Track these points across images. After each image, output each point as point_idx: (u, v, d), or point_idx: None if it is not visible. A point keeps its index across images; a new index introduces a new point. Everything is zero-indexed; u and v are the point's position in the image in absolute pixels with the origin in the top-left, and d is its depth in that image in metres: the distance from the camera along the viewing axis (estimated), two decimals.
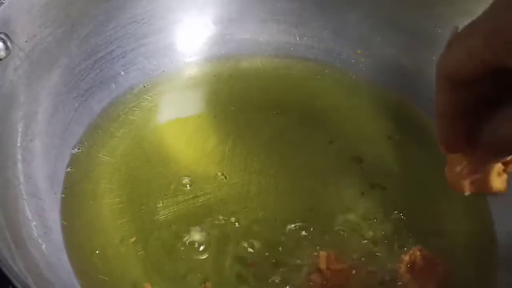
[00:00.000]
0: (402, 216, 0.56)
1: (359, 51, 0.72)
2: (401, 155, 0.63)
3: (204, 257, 0.52)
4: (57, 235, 0.50)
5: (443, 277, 0.51)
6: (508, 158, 0.40)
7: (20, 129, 0.52)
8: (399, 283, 0.51)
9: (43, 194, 0.52)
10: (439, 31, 0.66)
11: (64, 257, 0.49)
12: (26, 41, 0.53)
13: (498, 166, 0.40)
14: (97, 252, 0.51)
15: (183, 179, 0.58)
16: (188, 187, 0.57)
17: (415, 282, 0.51)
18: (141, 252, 0.52)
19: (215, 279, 0.50)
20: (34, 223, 0.48)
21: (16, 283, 0.37)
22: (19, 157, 0.51)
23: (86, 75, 0.62)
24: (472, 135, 0.36)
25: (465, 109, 0.36)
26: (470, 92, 0.35)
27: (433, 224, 0.56)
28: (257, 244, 0.53)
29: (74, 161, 0.57)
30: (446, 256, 0.53)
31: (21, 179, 0.50)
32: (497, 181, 0.40)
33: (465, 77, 0.34)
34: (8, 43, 0.49)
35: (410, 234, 0.55)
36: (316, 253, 0.52)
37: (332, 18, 0.72)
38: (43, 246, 0.47)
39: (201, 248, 0.52)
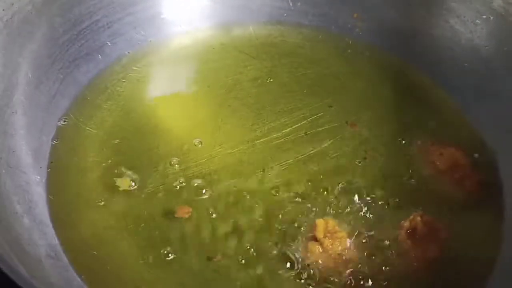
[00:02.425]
0: (400, 182, 0.54)
1: (355, 15, 0.69)
2: (401, 119, 0.60)
3: (197, 230, 0.50)
4: (43, 209, 0.49)
5: (445, 241, 0.49)
6: None
7: (1, 102, 0.49)
8: (400, 250, 0.49)
9: (27, 168, 0.50)
10: None
11: (50, 231, 0.47)
12: (3, 10, 0.50)
13: None
14: (84, 226, 0.49)
15: (175, 150, 0.56)
16: (180, 159, 0.55)
17: (417, 248, 0.49)
18: (131, 226, 0.50)
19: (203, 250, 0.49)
20: (17, 197, 0.46)
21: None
22: (1, 130, 0.49)
23: (71, 46, 0.59)
24: None
25: None
26: None
27: (433, 189, 0.54)
28: (253, 213, 0.51)
29: (60, 134, 0.55)
30: (448, 220, 0.51)
31: (4, 152, 0.48)
32: None
33: None
34: None
35: (410, 199, 0.52)
36: (313, 222, 0.50)
37: None
38: (27, 221, 0.45)
39: (192, 220, 0.50)
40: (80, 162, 0.54)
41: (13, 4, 0.51)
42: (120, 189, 0.52)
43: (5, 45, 0.50)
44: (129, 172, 0.53)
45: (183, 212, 0.51)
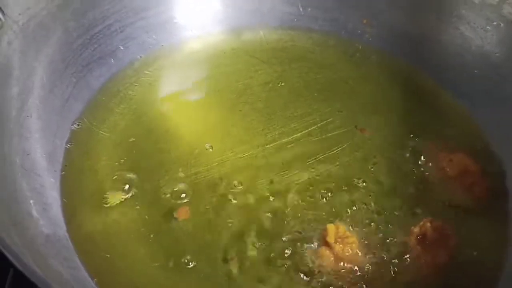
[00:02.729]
0: (409, 188, 0.54)
1: (364, 21, 0.70)
2: (410, 125, 0.60)
3: (207, 231, 0.50)
4: (57, 211, 0.49)
5: (454, 247, 0.50)
6: None
7: (16, 105, 0.50)
8: (410, 255, 0.49)
9: (42, 171, 0.51)
10: None
11: (63, 234, 0.48)
12: (19, 14, 0.51)
13: None
14: (97, 228, 0.49)
15: (186, 155, 0.56)
16: (191, 163, 0.55)
17: (427, 254, 0.49)
18: (143, 229, 0.50)
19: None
20: (33, 200, 0.47)
21: (15, 262, 0.35)
22: (16, 133, 0.49)
23: (84, 50, 0.60)
24: None
25: None
26: None
27: (443, 195, 0.54)
28: (264, 218, 0.52)
29: (73, 137, 0.56)
30: (457, 226, 0.51)
31: (19, 155, 0.49)
32: None
33: None
34: (1, 16, 0.48)
35: (420, 205, 0.53)
36: (324, 227, 0.51)
37: None
38: (42, 223, 0.46)
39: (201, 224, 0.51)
40: (93, 165, 0.54)
41: (29, 8, 0.52)
42: (132, 192, 0.53)
43: (21, 48, 0.51)
44: (141, 176, 0.54)
45: (183, 213, 0.51)
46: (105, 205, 0.51)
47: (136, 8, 0.64)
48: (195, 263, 0.48)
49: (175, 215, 0.51)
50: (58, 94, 0.56)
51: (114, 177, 0.54)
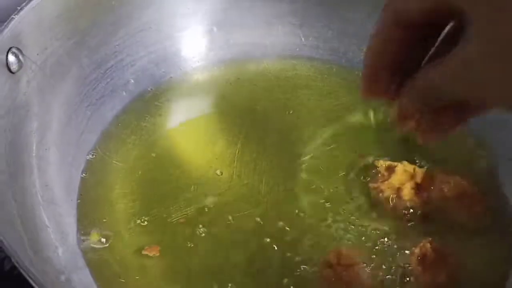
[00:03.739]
0: (412, 210, 0.56)
1: (363, 49, 0.72)
2: (408, 148, 0.63)
3: (216, 256, 0.53)
4: (73, 239, 0.52)
5: (454, 268, 0.51)
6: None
7: (35, 139, 0.53)
8: (411, 276, 0.51)
9: (59, 200, 0.53)
10: None
11: (80, 260, 0.50)
12: (37, 54, 0.54)
13: None
14: (112, 255, 0.52)
15: (194, 181, 0.59)
16: (200, 189, 0.58)
17: (426, 274, 0.51)
18: (157, 255, 0.53)
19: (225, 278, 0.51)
20: (51, 228, 0.50)
21: (35, 286, 0.38)
22: (35, 166, 0.52)
23: (98, 84, 0.64)
24: (397, 84, 0.39)
25: (398, 53, 0.37)
26: (409, 37, 0.37)
27: (442, 215, 0.56)
28: (269, 242, 0.54)
29: (88, 167, 0.59)
30: (457, 248, 0.53)
31: (38, 187, 0.52)
32: None
33: (411, 15, 0.35)
34: (20, 57, 0.51)
35: (419, 226, 0.55)
36: (326, 249, 0.53)
37: (336, 18, 0.73)
38: (60, 251, 0.48)
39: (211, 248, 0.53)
40: (107, 194, 0.57)
41: (46, 48, 0.56)
42: (145, 219, 0.55)
43: (39, 86, 0.54)
44: (152, 203, 0.57)
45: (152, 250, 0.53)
46: (119, 233, 0.54)
47: (146, 42, 0.68)
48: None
49: (189, 244, 0.53)
50: (74, 127, 0.59)
51: (127, 205, 0.56)
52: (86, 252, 0.52)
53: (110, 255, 0.52)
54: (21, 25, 0.52)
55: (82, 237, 0.53)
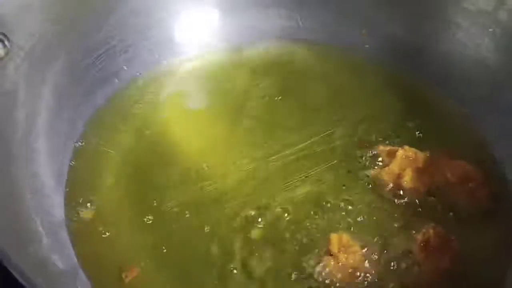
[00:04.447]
0: (413, 196, 0.55)
1: (363, 32, 0.70)
2: (410, 133, 0.61)
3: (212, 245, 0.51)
4: (62, 230, 0.51)
5: (457, 254, 0.50)
6: None
7: (23, 127, 0.52)
8: (414, 263, 0.50)
9: (49, 190, 0.52)
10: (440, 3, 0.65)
11: (70, 251, 0.49)
12: (25, 40, 0.53)
13: None
14: (102, 246, 0.51)
15: (190, 169, 0.57)
16: (195, 177, 0.57)
17: (429, 260, 0.50)
18: (150, 243, 0.51)
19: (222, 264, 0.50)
20: (40, 219, 0.48)
21: (21, 281, 0.37)
22: (24, 154, 0.51)
23: (89, 72, 0.62)
24: None
25: None
26: None
27: (445, 201, 0.54)
28: (267, 229, 0.52)
29: (79, 156, 0.58)
30: (460, 233, 0.52)
31: (27, 176, 0.50)
32: None
33: None
34: (6, 42, 0.50)
35: (422, 212, 0.53)
36: (327, 237, 0.51)
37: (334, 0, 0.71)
38: (49, 242, 0.47)
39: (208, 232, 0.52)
40: (98, 182, 0.56)
41: (34, 34, 0.54)
42: (138, 208, 0.54)
43: (27, 73, 0.53)
44: (146, 191, 0.55)
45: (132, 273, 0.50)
46: (110, 223, 0.52)
47: (139, 28, 0.66)
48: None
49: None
50: (65, 115, 0.58)
51: (119, 195, 0.55)
52: (75, 242, 0.50)
53: (100, 246, 0.51)
54: (7, 9, 0.50)
55: (71, 226, 0.51)
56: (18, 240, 0.43)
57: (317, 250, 0.51)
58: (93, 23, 0.62)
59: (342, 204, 0.54)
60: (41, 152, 0.53)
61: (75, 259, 0.49)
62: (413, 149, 0.57)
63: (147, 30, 0.67)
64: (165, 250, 0.51)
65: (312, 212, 0.54)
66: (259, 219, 0.53)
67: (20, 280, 0.36)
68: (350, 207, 0.54)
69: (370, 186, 0.56)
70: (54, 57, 0.57)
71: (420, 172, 0.56)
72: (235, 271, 0.50)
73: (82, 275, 0.48)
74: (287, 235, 0.52)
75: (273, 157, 0.59)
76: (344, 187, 0.56)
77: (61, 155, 0.56)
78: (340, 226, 0.52)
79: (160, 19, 0.67)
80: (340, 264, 0.49)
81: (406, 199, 0.55)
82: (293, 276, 0.49)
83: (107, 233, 0.52)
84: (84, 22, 0.60)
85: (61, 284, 0.46)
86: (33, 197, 0.49)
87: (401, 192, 0.55)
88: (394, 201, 0.54)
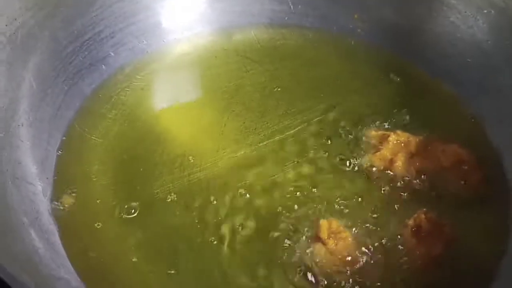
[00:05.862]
0: (404, 180, 0.54)
1: (355, 16, 0.69)
2: (404, 117, 0.60)
3: (200, 232, 0.50)
4: (49, 219, 0.50)
5: (450, 240, 0.49)
6: None
7: (6, 115, 0.51)
8: (405, 248, 0.49)
9: (34, 179, 0.51)
10: None
11: (56, 240, 0.48)
12: (6, 25, 0.52)
13: None
14: (89, 236, 0.50)
15: (179, 156, 0.56)
16: (184, 164, 0.56)
17: (421, 246, 0.49)
18: (138, 232, 0.50)
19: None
20: (24, 208, 0.47)
21: (3, 277, 0.36)
22: (7, 142, 0.50)
23: (75, 58, 0.60)
24: None
25: None
26: None
27: (438, 186, 0.54)
28: (258, 215, 0.52)
29: (65, 144, 0.56)
30: (453, 219, 0.51)
31: (10, 164, 0.49)
32: None
33: None
34: None
35: (414, 197, 0.52)
36: (317, 223, 0.50)
37: None
38: (33, 231, 0.46)
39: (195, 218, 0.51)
40: (86, 171, 0.55)
41: (16, 19, 0.53)
42: (127, 197, 0.53)
43: (9, 59, 0.52)
44: (134, 181, 0.54)
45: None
46: (97, 213, 0.51)
47: (125, 13, 0.65)
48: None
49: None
50: (50, 102, 0.57)
51: (106, 184, 0.54)
52: (62, 231, 0.49)
53: (86, 236, 0.50)
54: None
55: (57, 215, 0.50)
56: (3, 230, 0.42)
57: (306, 236, 0.50)
58: (78, 9, 0.60)
59: (333, 190, 0.53)
60: (25, 140, 0.52)
61: (62, 251, 0.48)
62: (406, 134, 0.56)
63: (133, 15, 0.65)
64: (152, 238, 0.50)
65: (302, 198, 0.53)
66: (249, 205, 0.52)
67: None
68: (341, 193, 0.53)
69: (362, 171, 0.55)
70: (37, 42, 0.56)
71: (412, 156, 0.55)
72: (225, 256, 0.49)
73: (69, 266, 0.47)
74: (277, 220, 0.51)
75: (264, 143, 0.58)
76: (335, 173, 0.55)
77: (47, 143, 0.55)
78: (330, 212, 0.51)
79: (147, 5, 0.66)
80: (329, 250, 0.48)
81: (398, 184, 0.54)
82: (283, 259, 0.49)
83: (95, 225, 0.51)
84: (67, 7, 0.59)
85: (48, 277, 0.45)
86: (17, 185, 0.48)
87: (393, 177, 0.54)
88: (386, 186, 0.53)
